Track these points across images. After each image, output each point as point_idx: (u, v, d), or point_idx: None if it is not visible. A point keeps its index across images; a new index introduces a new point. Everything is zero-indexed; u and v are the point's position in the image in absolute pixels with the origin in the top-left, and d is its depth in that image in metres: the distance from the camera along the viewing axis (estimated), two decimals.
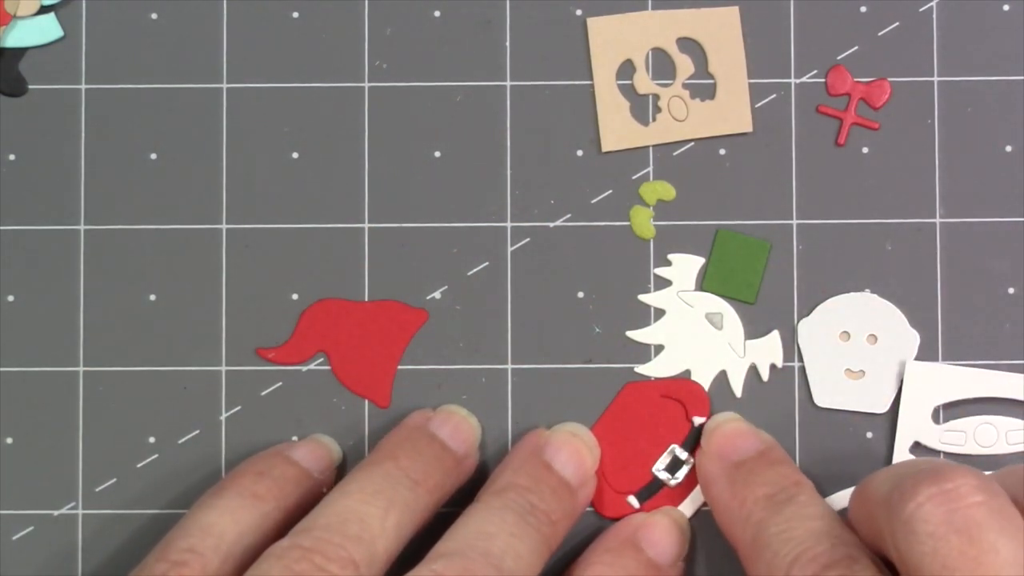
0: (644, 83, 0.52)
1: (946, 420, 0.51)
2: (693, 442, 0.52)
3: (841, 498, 0.52)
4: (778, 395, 0.53)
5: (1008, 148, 0.53)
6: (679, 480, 0.52)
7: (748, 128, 0.53)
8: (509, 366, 0.52)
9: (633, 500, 0.52)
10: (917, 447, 0.52)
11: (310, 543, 0.44)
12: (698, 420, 0.52)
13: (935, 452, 0.51)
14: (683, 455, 0.52)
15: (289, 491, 0.48)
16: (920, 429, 0.51)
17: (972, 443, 0.51)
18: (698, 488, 0.51)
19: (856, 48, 0.52)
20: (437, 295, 0.53)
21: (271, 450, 0.50)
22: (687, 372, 0.53)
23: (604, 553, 0.49)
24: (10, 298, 0.52)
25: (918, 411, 0.51)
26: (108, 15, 0.52)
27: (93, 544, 0.52)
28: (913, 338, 0.52)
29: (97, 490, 0.52)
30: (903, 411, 0.51)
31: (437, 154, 0.53)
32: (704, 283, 0.53)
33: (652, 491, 0.52)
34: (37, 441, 0.52)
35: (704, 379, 0.53)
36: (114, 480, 0.52)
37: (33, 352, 0.52)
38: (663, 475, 0.52)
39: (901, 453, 0.51)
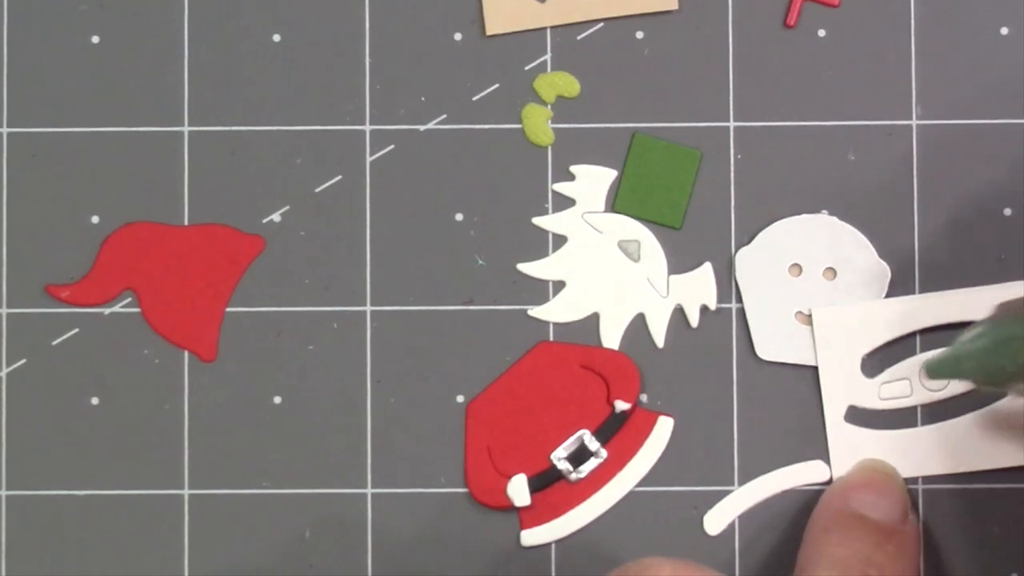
0: None
1: (881, 370, 0.51)
2: (610, 432, 0.51)
3: (782, 477, 0.51)
4: (710, 345, 0.52)
5: (1004, 31, 0.51)
6: (582, 475, 0.50)
7: (673, 5, 0.51)
8: (368, 308, 0.51)
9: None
10: (854, 412, 0.51)
11: None
12: (621, 406, 0.51)
13: (877, 413, 0.51)
14: (594, 445, 0.51)
15: None
16: (851, 390, 0.51)
17: (920, 390, 0.50)
18: (606, 489, 0.51)
19: None
20: (276, 217, 0.52)
21: None
22: (595, 316, 0.52)
23: (825, 534, 0.49)
24: None
25: (841, 368, 0.51)
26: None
27: None
28: (882, 272, 0.51)
29: None
30: (824, 374, 0.51)
31: (276, 38, 0.52)
32: (616, 202, 0.52)
33: (545, 482, 0.51)
34: None
35: (616, 324, 0.52)
36: None
37: None
38: (563, 465, 0.51)
39: (836, 425, 0.51)
